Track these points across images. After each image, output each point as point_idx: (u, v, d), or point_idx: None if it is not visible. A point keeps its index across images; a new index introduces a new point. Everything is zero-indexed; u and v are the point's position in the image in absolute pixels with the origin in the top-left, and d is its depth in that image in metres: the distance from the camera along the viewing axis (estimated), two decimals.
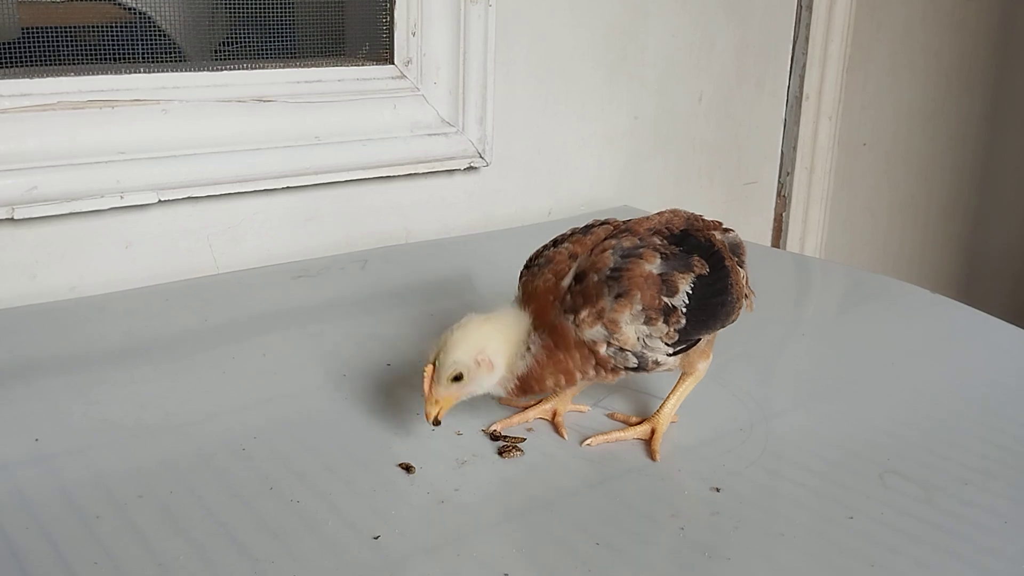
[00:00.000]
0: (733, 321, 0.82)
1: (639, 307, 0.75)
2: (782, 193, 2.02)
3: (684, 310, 0.76)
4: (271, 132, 1.23)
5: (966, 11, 2.35)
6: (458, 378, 0.76)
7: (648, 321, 0.75)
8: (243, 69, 1.23)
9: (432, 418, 0.77)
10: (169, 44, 1.28)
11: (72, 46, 1.17)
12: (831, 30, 1.93)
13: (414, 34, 1.32)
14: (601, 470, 0.78)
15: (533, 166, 1.54)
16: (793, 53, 1.92)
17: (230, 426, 0.83)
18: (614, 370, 0.78)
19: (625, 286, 0.75)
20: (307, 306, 1.14)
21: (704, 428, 0.86)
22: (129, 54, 1.22)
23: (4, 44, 1.14)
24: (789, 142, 1.98)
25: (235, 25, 1.31)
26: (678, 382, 0.84)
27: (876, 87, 2.16)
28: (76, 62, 1.17)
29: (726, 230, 0.86)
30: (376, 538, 0.68)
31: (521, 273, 0.83)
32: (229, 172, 1.20)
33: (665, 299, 0.76)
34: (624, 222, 0.84)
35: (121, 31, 1.22)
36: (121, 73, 1.14)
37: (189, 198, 1.18)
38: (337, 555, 0.66)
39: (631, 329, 0.75)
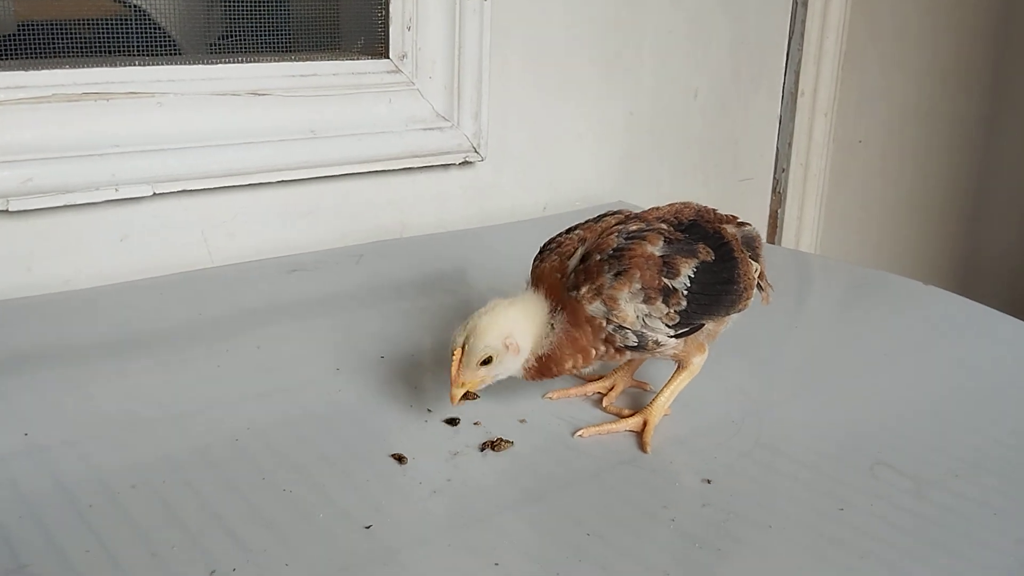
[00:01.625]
0: (740, 310, 0.83)
1: (638, 286, 0.77)
2: (777, 190, 2.02)
3: (686, 292, 0.78)
4: (266, 126, 1.23)
5: (963, 8, 2.35)
6: (487, 361, 0.78)
7: (647, 300, 0.77)
8: (238, 62, 1.24)
9: (457, 401, 0.79)
10: (164, 38, 1.28)
11: (67, 39, 1.17)
12: (827, 26, 1.94)
13: (409, 28, 1.32)
14: (593, 462, 0.79)
15: (528, 161, 1.54)
16: (789, 49, 1.92)
17: (224, 418, 0.83)
18: (619, 349, 0.79)
19: (625, 265, 0.77)
20: (302, 300, 1.14)
21: (696, 420, 0.86)
22: (124, 48, 1.22)
23: None
24: (784, 139, 1.98)
25: (230, 18, 1.31)
26: (672, 376, 0.85)
27: (872, 84, 2.17)
28: (71, 55, 1.17)
29: (741, 224, 0.87)
30: (368, 528, 0.68)
31: (534, 259, 0.85)
32: (224, 165, 1.20)
33: (665, 280, 0.77)
34: (636, 212, 0.86)
35: (116, 25, 1.22)
36: (116, 66, 1.14)
37: (184, 191, 1.18)
38: (329, 544, 0.66)
39: (630, 307, 0.77)
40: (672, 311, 0.78)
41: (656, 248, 0.78)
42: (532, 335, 0.79)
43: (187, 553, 0.64)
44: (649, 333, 0.78)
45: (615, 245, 0.79)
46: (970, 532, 0.71)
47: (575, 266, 0.80)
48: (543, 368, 0.80)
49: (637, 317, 0.77)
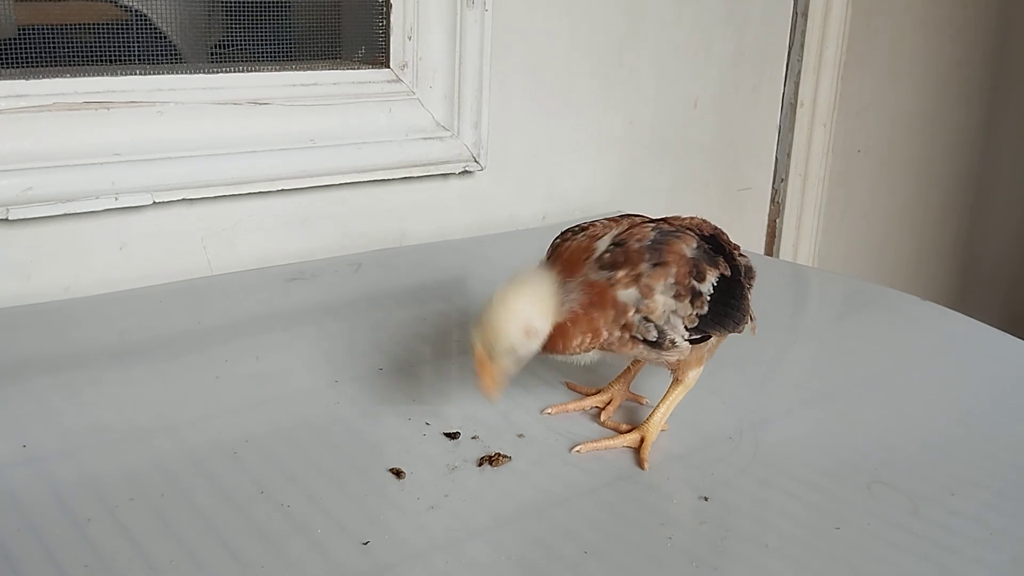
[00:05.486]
0: (739, 331, 0.84)
1: (672, 280, 0.78)
2: (776, 199, 2.03)
3: (708, 298, 0.79)
4: (266, 135, 1.23)
5: (962, 18, 2.35)
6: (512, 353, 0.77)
7: (677, 296, 0.78)
8: (239, 72, 1.24)
9: (497, 397, 0.79)
10: (165, 45, 1.28)
11: (68, 46, 1.17)
12: (826, 36, 1.94)
13: (410, 38, 1.32)
14: (590, 478, 0.79)
15: (528, 170, 1.54)
16: (788, 59, 1.92)
17: (222, 429, 0.83)
18: (633, 339, 0.79)
19: (664, 257, 0.78)
20: (301, 309, 1.14)
21: (694, 436, 0.86)
22: (125, 54, 1.22)
23: (0, 43, 1.14)
24: (784, 148, 1.98)
25: (231, 27, 1.31)
26: (668, 390, 0.85)
27: (871, 94, 2.17)
28: (72, 62, 1.17)
29: (741, 255, 0.88)
30: (366, 543, 0.68)
31: (554, 239, 0.85)
32: (224, 174, 1.20)
33: (694, 282, 0.78)
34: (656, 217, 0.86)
35: (117, 31, 1.22)
36: (117, 75, 1.14)
37: (184, 200, 1.18)
38: (326, 560, 0.66)
39: (661, 299, 0.77)
40: (694, 313, 0.78)
41: (689, 249, 0.80)
42: (549, 314, 0.78)
43: (185, 567, 0.64)
44: (669, 331, 0.78)
45: (652, 237, 0.80)
46: (966, 550, 0.71)
47: (606, 247, 0.79)
48: (552, 343, 0.78)
49: (664, 311, 0.77)
